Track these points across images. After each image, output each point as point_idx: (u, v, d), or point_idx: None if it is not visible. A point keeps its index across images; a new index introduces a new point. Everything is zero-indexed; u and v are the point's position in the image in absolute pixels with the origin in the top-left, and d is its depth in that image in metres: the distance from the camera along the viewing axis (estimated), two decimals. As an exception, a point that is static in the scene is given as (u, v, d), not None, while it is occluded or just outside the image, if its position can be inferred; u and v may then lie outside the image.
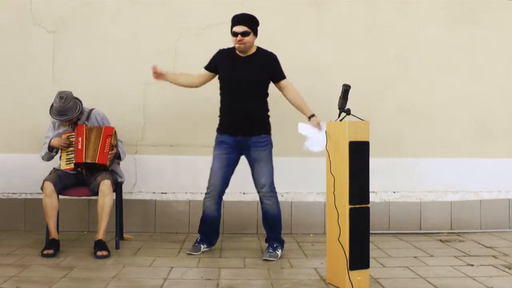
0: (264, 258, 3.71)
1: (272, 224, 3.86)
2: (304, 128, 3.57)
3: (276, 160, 4.64)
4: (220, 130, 3.86)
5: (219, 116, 3.90)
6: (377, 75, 4.78)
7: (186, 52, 4.65)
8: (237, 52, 3.77)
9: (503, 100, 4.90)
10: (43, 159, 4.04)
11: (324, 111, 4.36)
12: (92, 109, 4.12)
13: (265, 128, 3.86)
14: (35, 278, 3.16)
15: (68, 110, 3.84)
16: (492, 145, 4.88)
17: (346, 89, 3.08)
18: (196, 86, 3.93)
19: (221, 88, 3.87)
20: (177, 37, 4.69)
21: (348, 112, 3.08)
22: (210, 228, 3.94)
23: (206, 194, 3.90)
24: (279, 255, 3.76)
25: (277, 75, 3.82)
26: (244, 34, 3.64)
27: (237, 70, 3.73)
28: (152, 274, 3.29)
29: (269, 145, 3.85)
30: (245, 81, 3.72)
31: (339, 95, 3.10)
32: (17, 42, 4.66)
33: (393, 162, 4.76)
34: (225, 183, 3.86)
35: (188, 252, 3.88)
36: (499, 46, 4.89)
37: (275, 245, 3.81)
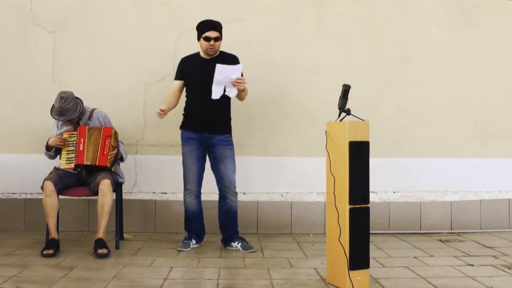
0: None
1: (235, 219, 4.05)
2: (221, 68, 3.77)
3: (276, 160, 4.67)
4: (185, 127, 4.03)
5: (183, 114, 4.05)
6: (377, 75, 4.78)
7: (186, 52, 4.64)
8: (202, 55, 3.98)
9: (503, 100, 4.90)
10: (46, 156, 4.04)
11: (324, 111, 4.39)
12: (94, 109, 4.12)
13: (228, 128, 4.04)
14: (35, 278, 3.16)
15: (67, 111, 3.84)
16: (492, 145, 4.88)
17: (346, 89, 3.08)
18: (179, 99, 4.10)
19: (187, 90, 4.04)
20: (177, 37, 4.69)
21: (348, 112, 3.07)
22: (196, 224, 4.06)
23: (185, 191, 4.02)
24: None
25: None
26: (217, 39, 3.89)
27: (204, 71, 3.88)
28: (152, 274, 3.29)
29: (232, 144, 4.03)
30: (211, 81, 3.84)
31: (339, 95, 3.09)
32: (17, 42, 4.66)
33: (393, 162, 4.76)
34: (201, 177, 4.03)
35: (178, 248, 3.96)
36: (499, 46, 4.89)
37: (242, 237, 4.05)
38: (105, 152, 3.88)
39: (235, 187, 4.00)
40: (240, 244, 3.98)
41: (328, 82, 4.60)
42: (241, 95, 3.98)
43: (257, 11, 4.71)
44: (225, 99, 3.91)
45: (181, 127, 4.05)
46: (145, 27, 4.69)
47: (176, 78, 4.06)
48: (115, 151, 3.95)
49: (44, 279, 3.12)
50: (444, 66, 4.84)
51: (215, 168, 4.01)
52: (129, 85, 4.67)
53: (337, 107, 3.12)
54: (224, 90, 3.85)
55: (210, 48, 3.88)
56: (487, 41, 4.88)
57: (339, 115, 3.10)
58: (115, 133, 3.99)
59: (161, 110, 3.88)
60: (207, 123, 3.93)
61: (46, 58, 4.66)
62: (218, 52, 3.98)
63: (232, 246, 4.00)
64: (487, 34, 4.87)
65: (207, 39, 3.86)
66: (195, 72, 3.96)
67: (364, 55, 4.78)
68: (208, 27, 3.88)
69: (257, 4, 4.72)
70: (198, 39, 3.94)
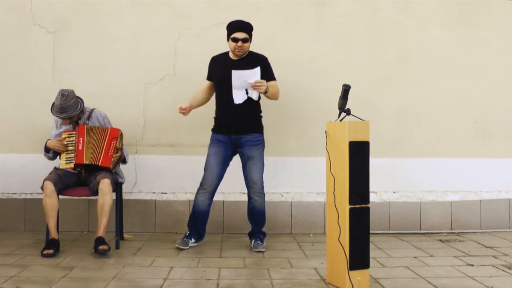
0: (256, 250, 3.93)
1: (259, 219, 4.07)
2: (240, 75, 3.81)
3: (276, 160, 4.66)
4: (215, 130, 4.04)
5: (214, 117, 4.07)
6: (377, 75, 4.78)
7: (186, 52, 4.66)
8: (231, 56, 3.96)
9: (503, 100, 4.90)
10: (45, 157, 4.04)
11: (324, 111, 4.39)
12: (93, 109, 4.12)
13: (257, 127, 4.03)
14: (35, 278, 3.16)
15: (68, 108, 3.84)
16: (492, 145, 4.88)
17: (346, 89, 3.08)
18: (209, 98, 4.13)
19: (216, 91, 4.03)
20: (177, 37, 4.69)
21: (348, 112, 3.08)
22: (200, 223, 4.06)
23: (200, 189, 4.01)
24: (266, 245, 4.02)
25: (266, 76, 3.93)
26: (245, 40, 3.87)
27: (229, 72, 3.85)
28: (152, 274, 3.29)
29: (261, 144, 4.02)
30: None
31: (339, 95, 3.10)
32: (17, 42, 4.66)
33: (393, 162, 4.76)
34: (220, 178, 4.03)
35: (176, 245, 3.97)
36: (499, 46, 4.89)
37: (261, 237, 4.06)
38: (109, 153, 3.89)
39: (261, 187, 4.00)
40: (253, 242, 4.02)
41: (328, 82, 4.60)
42: (268, 96, 3.94)
43: (257, 11, 4.71)
44: (250, 100, 3.90)
45: (212, 130, 4.06)
46: (145, 27, 4.69)
47: (207, 77, 4.09)
48: (119, 154, 3.96)
49: (44, 279, 3.12)
50: (444, 66, 4.84)
51: (243, 168, 4.02)
52: (129, 85, 4.67)
53: (337, 107, 3.12)
54: (247, 92, 3.85)
55: (237, 49, 3.86)
56: (487, 41, 4.88)
57: (339, 115, 3.10)
58: (121, 135, 3.99)
59: (181, 108, 3.92)
60: (233, 125, 3.93)
61: (46, 58, 4.65)
62: (247, 53, 3.95)
63: (251, 243, 4.06)
64: (487, 34, 4.87)
65: (235, 40, 3.85)
66: (220, 73, 3.94)
67: (364, 55, 4.78)
68: (236, 28, 3.86)
69: (257, 4, 4.72)
70: (228, 40, 3.92)
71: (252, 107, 3.96)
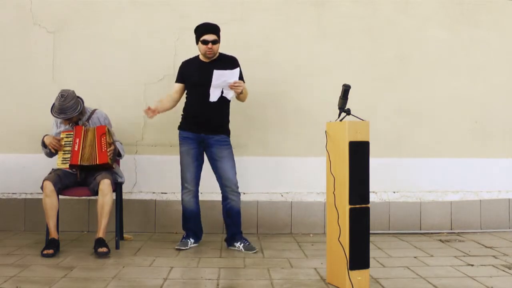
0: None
1: (237, 219, 4.06)
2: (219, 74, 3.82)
3: (276, 160, 4.67)
4: (183, 127, 4.06)
5: (182, 114, 4.08)
6: (377, 75, 4.78)
7: (186, 52, 4.65)
8: (201, 58, 4.00)
9: (503, 100, 4.90)
10: (43, 152, 4.05)
11: (324, 111, 4.38)
12: (95, 110, 4.12)
13: (226, 130, 4.06)
14: (35, 278, 3.16)
15: (67, 109, 3.84)
16: (492, 145, 4.88)
17: (346, 89, 3.08)
18: (177, 102, 4.14)
19: (187, 92, 4.08)
20: (177, 37, 4.69)
21: (348, 112, 3.07)
22: (193, 223, 4.09)
23: (183, 190, 4.05)
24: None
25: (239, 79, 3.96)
26: (214, 42, 3.91)
27: (203, 74, 3.91)
28: (152, 274, 3.29)
29: (230, 145, 4.05)
30: (209, 84, 3.88)
31: (339, 95, 3.09)
32: (17, 42, 4.66)
33: (393, 162, 4.76)
34: (198, 176, 4.06)
35: (176, 247, 3.98)
36: (499, 46, 4.89)
37: (245, 237, 4.05)
38: (103, 150, 3.89)
39: (236, 186, 4.00)
40: (242, 244, 3.98)
41: (328, 82, 4.59)
42: (240, 97, 4.00)
43: (257, 11, 4.71)
44: (223, 100, 3.94)
45: (179, 127, 4.08)
46: (145, 27, 4.69)
47: (176, 81, 4.11)
48: (112, 147, 3.96)
49: (44, 279, 3.12)
50: (444, 66, 4.84)
51: (214, 168, 4.03)
52: (129, 85, 4.67)
53: (337, 107, 3.12)
54: (222, 92, 3.89)
55: (208, 51, 3.90)
56: (487, 41, 4.88)
57: (339, 115, 3.10)
58: (109, 130, 3.99)
59: (148, 108, 3.94)
60: (204, 124, 3.96)
61: (46, 58, 4.66)
62: (217, 55, 3.99)
63: (234, 246, 4.00)
64: (487, 34, 4.87)
65: (205, 42, 3.89)
66: (194, 76, 3.99)
67: (364, 55, 4.78)
68: (205, 31, 3.90)
69: (257, 4, 4.72)
70: (197, 43, 3.96)
71: (224, 108, 4.00)
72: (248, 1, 4.73)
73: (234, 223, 4.05)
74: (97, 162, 3.87)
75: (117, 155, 4.07)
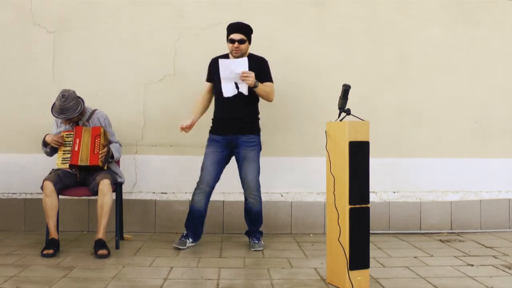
0: (254, 249, 3.97)
1: (255, 219, 4.11)
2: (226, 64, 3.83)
3: (276, 160, 4.67)
4: (212, 131, 4.06)
5: (212, 118, 4.09)
6: (377, 75, 4.78)
7: (186, 52, 4.66)
8: (230, 57, 3.96)
9: (503, 100, 4.90)
10: (43, 152, 4.05)
11: (324, 111, 4.39)
12: (95, 110, 4.12)
13: (254, 129, 4.03)
14: (35, 278, 3.16)
15: (67, 110, 3.84)
16: (492, 145, 4.88)
17: (346, 89, 3.08)
18: (211, 101, 4.15)
19: (215, 92, 4.04)
20: (177, 37, 4.69)
21: (348, 112, 3.08)
22: (198, 223, 4.07)
23: (197, 189, 4.03)
24: (263, 244, 4.07)
25: (264, 77, 3.95)
26: (241, 42, 3.88)
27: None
28: (152, 274, 3.29)
29: (257, 145, 4.02)
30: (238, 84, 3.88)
31: (339, 95, 3.10)
32: (17, 42, 4.66)
33: (393, 162, 4.76)
34: (217, 178, 4.04)
35: (174, 245, 3.98)
36: (499, 46, 4.89)
37: (258, 236, 4.11)
38: (95, 151, 3.88)
39: (255, 189, 4.00)
40: (251, 241, 4.06)
41: (328, 82, 4.59)
42: (260, 94, 3.93)
43: (257, 11, 4.71)
44: (243, 97, 3.91)
45: (210, 131, 4.07)
46: (145, 27, 4.69)
47: (206, 79, 4.12)
48: (105, 149, 3.94)
49: (44, 279, 3.12)
50: (444, 66, 4.84)
51: (239, 169, 4.04)
52: (129, 85, 4.67)
53: (337, 107, 3.12)
54: (237, 87, 3.87)
55: (234, 50, 3.88)
56: (487, 41, 4.87)
57: (339, 115, 3.10)
58: (104, 132, 3.99)
59: (181, 128, 3.96)
60: (230, 124, 3.95)
61: (46, 58, 4.65)
62: (245, 55, 3.95)
63: (255, 247, 4.04)
64: (487, 34, 4.87)
65: (232, 41, 3.88)
66: (217, 74, 3.95)
67: (364, 55, 4.78)
68: (233, 30, 3.89)
69: (257, 4, 4.72)
70: (227, 41, 3.94)
71: (246, 106, 3.96)
72: (248, 1, 4.72)
73: (252, 222, 4.11)
74: (88, 164, 3.87)
75: (110, 157, 4.05)
